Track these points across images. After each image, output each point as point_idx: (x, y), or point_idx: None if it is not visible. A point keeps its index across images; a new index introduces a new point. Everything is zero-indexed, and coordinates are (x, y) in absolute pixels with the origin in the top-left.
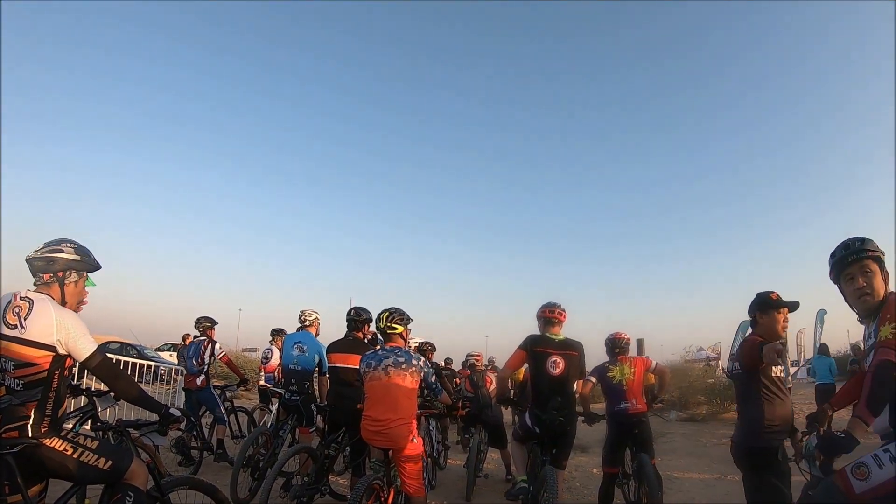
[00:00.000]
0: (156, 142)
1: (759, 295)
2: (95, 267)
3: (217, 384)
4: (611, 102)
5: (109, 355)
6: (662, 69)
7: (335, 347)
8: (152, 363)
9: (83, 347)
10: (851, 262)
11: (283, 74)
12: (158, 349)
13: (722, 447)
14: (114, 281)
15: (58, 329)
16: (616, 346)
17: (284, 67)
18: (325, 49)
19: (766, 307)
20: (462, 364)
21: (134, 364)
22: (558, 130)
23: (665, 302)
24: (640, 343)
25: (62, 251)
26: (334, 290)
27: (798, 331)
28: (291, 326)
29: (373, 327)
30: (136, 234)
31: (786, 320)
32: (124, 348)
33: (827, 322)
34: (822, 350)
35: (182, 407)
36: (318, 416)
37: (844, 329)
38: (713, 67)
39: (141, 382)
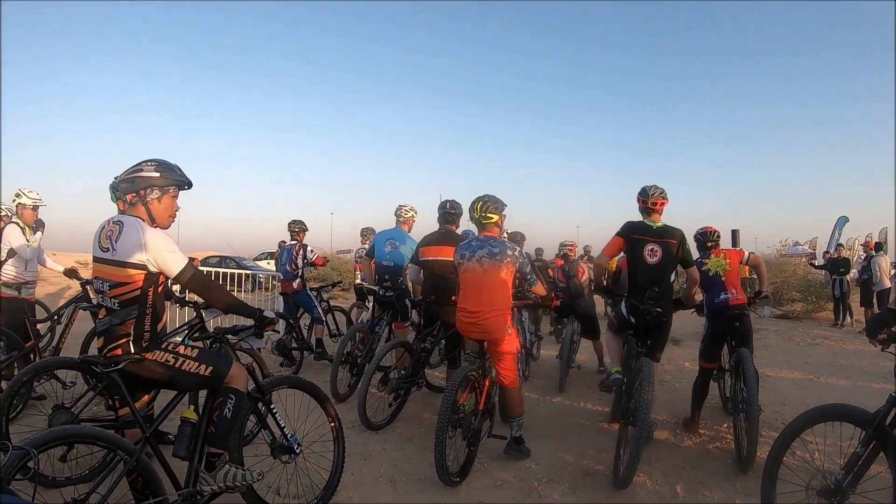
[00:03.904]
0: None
1: None
2: (182, 182)
3: (313, 286)
4: None
5: (210, 268)
6: None
7: (428, 241)
8: (251, 272)
9: (173, 263)
10: None
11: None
12: (256, 259)
13: (816, 347)
14: (209, 199)
15: (147, 248)
16: (707, 239)
17: None
18: None
19: None
20: (555, 254)
21: (234, 275)
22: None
23: (762, 197)
24: (734, 234)
25: (142, 170)
26: (421, 191)
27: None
28: (381, 228)
29: (465, 217)
30: (227, 154)
31: None
32: (223, 261)
33: None
34: None
35: (280, 310)
36: (414, 311)
37: None
38: None
39: (241, 291)
